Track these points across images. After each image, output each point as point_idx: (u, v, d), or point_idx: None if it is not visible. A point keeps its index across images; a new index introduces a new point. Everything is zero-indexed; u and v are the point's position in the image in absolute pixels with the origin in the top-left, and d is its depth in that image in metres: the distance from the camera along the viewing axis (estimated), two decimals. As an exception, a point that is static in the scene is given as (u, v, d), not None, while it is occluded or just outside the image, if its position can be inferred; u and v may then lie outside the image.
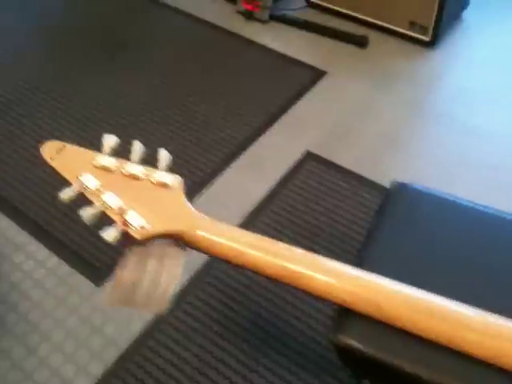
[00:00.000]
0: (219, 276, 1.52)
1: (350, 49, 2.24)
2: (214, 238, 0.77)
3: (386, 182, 1.71)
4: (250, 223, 1.64)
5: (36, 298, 1.51)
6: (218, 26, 2.37)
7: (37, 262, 1.58)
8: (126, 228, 0.77)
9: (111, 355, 1.39)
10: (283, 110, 1.99)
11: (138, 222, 0.77)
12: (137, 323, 1.44)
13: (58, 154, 0.82)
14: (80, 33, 2.38)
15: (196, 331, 1.42)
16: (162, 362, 1.37)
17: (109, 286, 0.77)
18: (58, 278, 1.55)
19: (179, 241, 0.80)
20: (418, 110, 2.00)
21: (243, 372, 1.34)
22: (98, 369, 1.37)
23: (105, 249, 1.58)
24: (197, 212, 0.81)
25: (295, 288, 0.78)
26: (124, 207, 0.78)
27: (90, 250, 1.59)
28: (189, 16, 2.44)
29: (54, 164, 0.80)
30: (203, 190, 1.69)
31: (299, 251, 0.78)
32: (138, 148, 0.83)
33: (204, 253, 0.80)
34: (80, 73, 2.18)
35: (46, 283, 1.54)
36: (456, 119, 1.95)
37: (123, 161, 0.82)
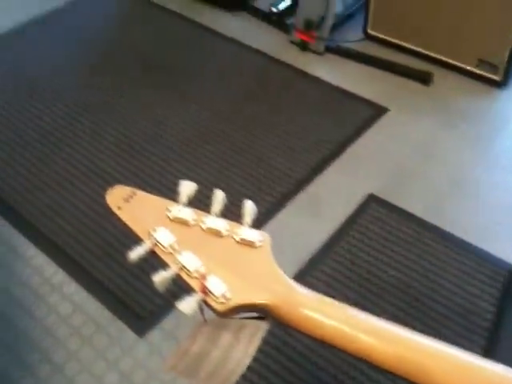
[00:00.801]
0: (278, 334, 1.36)
1: (412, 85, 2.10)
2: (321, 318, 0.62)
3: (454, 230, 1.58)
4: (308, 273, 1.49)
5: (72, 347, 1.37)
6: (272, 56, 2.26)
7: (75, 306, 1.44)
8: (205, 297, 0.62)
9: (154, 418, 1.24)
10: (342, 147, 1.85)
11: (221, 291, 0.62)
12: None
13: (126, 202, 0.68)
14: (128, 59, 2.29)
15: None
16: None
17: (174, 352, 0.62)
18: (97, 326, 1.41)
19: (265, 314, 0.65)
20: (485, 154, 1.84)
21: None
22: (138, 433, 1.22)
23: (150, 296, 1.44)
24: (291, 281, 0.66)
25: None
26: (203, 270, 0.63)
27: (134, 296, 1.45)
28: (242, 45, 2.33)
29: (121, 215, 0.66)
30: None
31: (425, 339, 0.62)
32: (220, 198, 0.68)
33: (299, 332, 0.65)
34: (124, 98, 2.08)
35: (83, 331, 1.40)
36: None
37: (202, 213, 0.68)
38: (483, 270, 1.47)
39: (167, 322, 1.40)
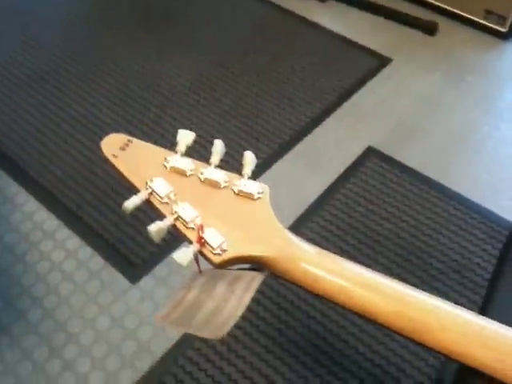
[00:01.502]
0: (270, 283, 1.35)
1: (418, 35, 2.04)
2: (319, 272, 0.60)
3: (456, 187, 1.56)
4: (303, 225, 1.47)
5: (64, 293, 1.36)
6: (274, 3, 2.18)
7: (67, 252, 1.43)
8: (202, 248, 0.60)
9: (144, 363, 1.24)
10: (342, 98, 1.80)
11: (218, 242, 0.60)
12: (176, 331, 1.28)
13: (122, 150, 0.65)
14: (128, 8, 2.20)
15: (241, 343, 1.26)
16: (203, 376, 1.21)
17: (168, 303, 0.60)
18: (90, 272, 1.40)
19: (262, 266, 0.63)
20: (491, 109, 1.80)
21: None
22: (129, 378, 1.22)
23: (143, 243, 1.43)
24: (290, 233, 0.64)
25: (412, 340, 0.61)
26: (201, 222, 0.61)
27: (127, 243, 1.43)
28: (242, -9, 2.24)
29: (117, 164, 0.63)
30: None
31: (425, 296, 0.61)
32: (219, 149, 0.65)
33: (296, 285, 0.63)
34: (122, 46, 2.01)
35: (75, 277, 1.39)
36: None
37: (200, 163, 0.65)
38: (483, 228, 1.47)
39: (159, 270, 1.39)
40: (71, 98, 1.81)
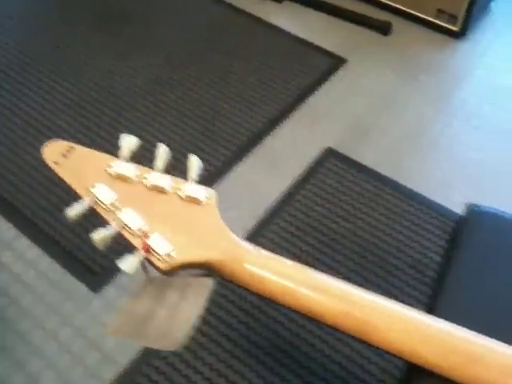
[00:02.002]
0: (234, 289, 1.36)
1: (372, 35, 2.07)
2: (265, 274, 0.61)
3: (409, 183, 1.59)
4: (265, 227, 1.48)
5: (25, 304, 1.34)
6: (232, 4, 2.18)
7: (27, 263, 1.41)
8: (148, 255, 0.60)
9: (109, 374, 1.23)
10: (300, 99, 1.82)
11: (164, 249, 0.61)
12: (138, 337, 1.27)
13: (64, 157, 0.64)
14: (79, 7, 2.18)
15: (207, 350, 1.26)
16: (168, 384, 1.21)
17: (118, 313, 0.60)
18: (50, 282, 1.38)
19: (210, 271, 0.64)
20: (445, 107, 1.84)
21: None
22: (93, 389, 1.21)
23: (104, 252, 1.41)
24: (236, 237, 0.65)
25: (359, 340, 0.62)
26: (146, 229, 0.61)
27: (87, 252, 1.42)
28: (198, -7, 2.24)
29: (59, 171, 0.63)
30: (212, 188, 1.51)
31: (371, 296, 0.62)
32: (163, 153, 0.66)
33: (244, 288, 0.64)
34: (75, 48, 1.98)
35: (37, 287, 1.37)
36: (487, 120, 1.80)
37: (145, 169, 0.65)
38: (436, 223, 1.50)
39: (122, 278, 1.38)
40: (24, 101, 1.78)
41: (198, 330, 1.28)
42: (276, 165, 1.65)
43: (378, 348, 0.61)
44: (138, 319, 0.62)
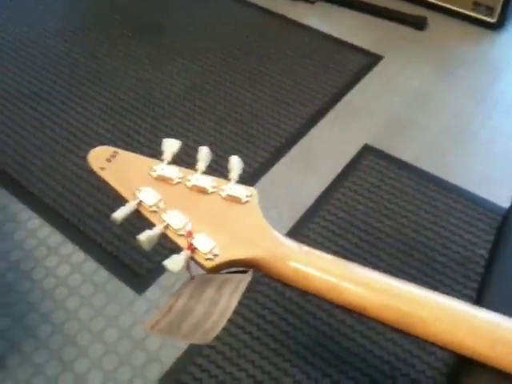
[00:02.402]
0: (273, 285, 1.37)
1: (407, 31, 2.05)
2: (309, 270, 0.61)
3: (453, 179, 1.57)
4: (304, 226, 1.48)
5: (71, 307, 1.37)
6: (262, 7, 2.20)
7: (72, 267, 1.45)
8: (193, 255, 0.62)
9: (155, 373, 1.26)
10: (336, 98, 1.82)
11: (209, 248, 0.62)
12: (183, 338, 1.29)
13: (109, 162, 0.66)
14: (115, 16, 2.23)
15: (249, 348, 1.27)
16: (214, 382, 1.22)
17: (157, 311, 0.61)
18: (95, 285, 1.41)
19: (253, 268, 0.65)
20: (485, 100, 1.81)
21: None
22: (140, 388, 1.24)
23: (147, 253, 1.44)
24: (279, 234, 0.65)
25: (404, 332, 0.62)
26: (190, 228, 0.63)
27: (131, 254, 1.45)
28: (231, -3, 2.27)
29: (104, 175, 0.65)
30: (251, 188, 1.52)
31: (415, 289, 0.62)
32: (205, 155, 0.67)
33: (287, 285, 0.64)
34: (113, 58, 2.03)
35: (82, 290, 1.40)
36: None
37: (187, 170, 0.67)
38: (484, 219, 1.47)
39: (165, 279, 1.41)
40: (67, 112, 1.83)
41: (240, 327, 1.29)
42: (314, 164, 1.65)
43: (424, 340, 0.61)
44: (176, 315, 0.64)
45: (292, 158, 1.66)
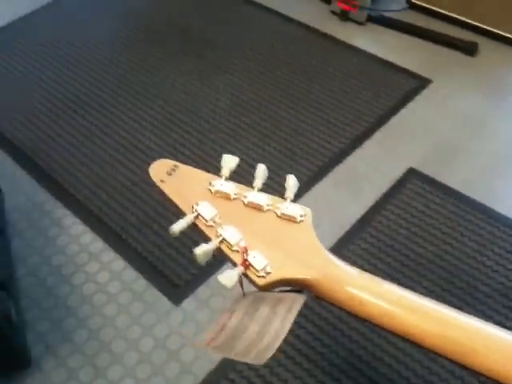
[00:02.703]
0: (311, 305, 1.35)
1: (457, 56, 2.03)
2: (363, 295, 0.61)
3: (500, 208, 1.53)
4: (344, 247, 1.47)
5: (109, 313, 1.39)
6: (311, 26, 2.21)
7: (112, 274, 1.46)
8: (247, 271, 0.61)
9: (188, 385, 1.25)
10: (383, 120, 1.80)
11: (262, 265, 0.61)
12: (218, 353, 1.29)
13: (169, 175, 0.67)
14: (165, 29, 2.27)
15: (283, 366, 1.26)
16: (246, 400, 1.21)
17: (211, 327, 0.61)
18: (134, 293, 1.42)
19: (306, 289, 0.64)
20: (537, 129, 1.77)
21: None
22: (173, 400, 1.23)
23: (186, 265, 1.45)
24: (334, 256, 0.64)
25: (455, 363, 0.60)
26: (245, 245, 0.62)
27: (170, 265, 1.46)
28: (280, 16, 2.28)
29: (165, 188, 0.65)
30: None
31: (469, 319, 0.61)
32: (262, 173, 0.67)
33: (341, 309, 0.64)
34: (162, 71, 2.07)
35: (120, 298, 1.42)
36: None
37: (244, 187, 0.67)
38: (527, 249, 1.44)
39: (202, 291, 1.41)
40: (116, 123, 1.87)
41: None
42: (357, 185, 1.63)
43: (475, 372, 0.59)
44: (230, 332, 0.63)
45: (335, 178, 1.65)
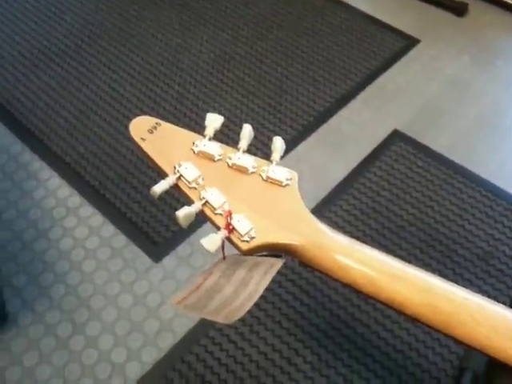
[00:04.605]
0: (291, 264, 1.35)
1: (446, 16, 1.99)
2: (348, 262, 0.59)
3: (482, 172, 1.53)
4: (326, 208, 1.46)
5: (87, 269, 1.37)
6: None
7: (90, 229, 1.44)
8: (230, 235, 0.59)
9: (166, 342, 1.25)
10: (369, 80, 1.78)
11: (246, 229, 0.60)
12: (197, 311, 1.29)
13: (150, 133, 0.64)
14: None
15: (262, 325, 1.26)
16: (225, 356, 1.22)
17: (186, 287, 0.60)
18: (113, 250, 1.40)
19: (289, 254, 0.63)
20: (522, 94, 1.76)
21: (311, 374, 1.19)
22: (151, 356, 1.23)
23: (166, 222, 1.43)
24: (320, 222, 0.63)
25: (440, 333, 0.60)
26: (229, 208, 0.60)
27: (150, 221, 1.44)
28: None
29: (145, 147, 0.62)
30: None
31: (457, 289, 0.60)
32: (247, 133, 0.64)
33: (325, 275, 0.62)
34: (143, 21, 1.99)
35: (98, 254, 1.40)
36: None
37: (229, 148, 0.64)
38: (507, 213, 1.44)
39: (182, 249, 1.40)
40: (94, 73, 1.81)
41: (255, 304, 1.28)
42: (341, 146, 1.61)
43: (460, 343, 0.59)
44: (204, 293, 0.62)
45: (319, 138, 1.63)
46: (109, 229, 1.44)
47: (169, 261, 1.38)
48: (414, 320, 0.60)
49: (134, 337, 1.26)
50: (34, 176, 1.54)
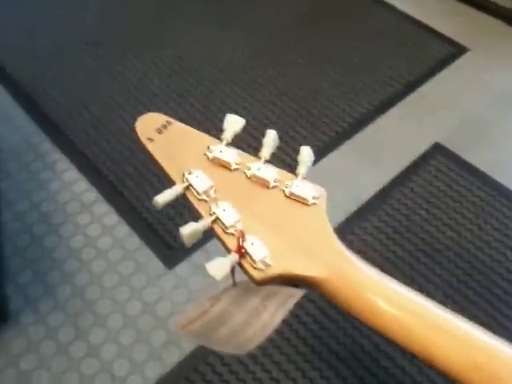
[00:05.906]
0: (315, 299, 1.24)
1: (497, 24, 1.87)
2: (384, 306, 0.49)
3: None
4: (356, 224, 1.35)
5: (97, 270, 1.29)
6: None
7: (103, 228, 1.36)
8: (241, 260, 0.50)
9: (173, 357, 1.16)
10: (411, 87, 1.67)
11: (262, 256, 0.50)
12: (208, 325, 1.20)
13: (159, 133, 0.55)
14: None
15: (277, 348, 1.16)
16: (234, 379, 1.12)
17: (190, 310, 0.50)
18: (125, 251, 1.32)
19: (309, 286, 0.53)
20: None
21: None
22: (154, 371, 1.15)
23: (183, 226, 1.34)
24: (348, 250, 0.53)
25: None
26: (243, 228, 0.51)
27: (166, 224, 1.35)
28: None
29: (152, 148, 0.54)
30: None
31: (498, 343, 0.49)
32: (271, 141, 0.55)
33: (349, 314, 0.52)
34: (178, 13, 1.92)
35: (110, 255, 1.32)
36: None
37: (249, 157, 0.55)
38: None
39: (197, 256, 1.31)
40: (123, 64, 1.74)
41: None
42: (376, 157, 1.51)
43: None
44: (211, 320, 0.54)
45: (353, 147, 1.53)
46: (123, 229, 1.36)
47: (183, 268, 1.30)
48: (447, 376, 0.49)
49: (139, 348, 1.18)
50: (51, 167, 1.47)
